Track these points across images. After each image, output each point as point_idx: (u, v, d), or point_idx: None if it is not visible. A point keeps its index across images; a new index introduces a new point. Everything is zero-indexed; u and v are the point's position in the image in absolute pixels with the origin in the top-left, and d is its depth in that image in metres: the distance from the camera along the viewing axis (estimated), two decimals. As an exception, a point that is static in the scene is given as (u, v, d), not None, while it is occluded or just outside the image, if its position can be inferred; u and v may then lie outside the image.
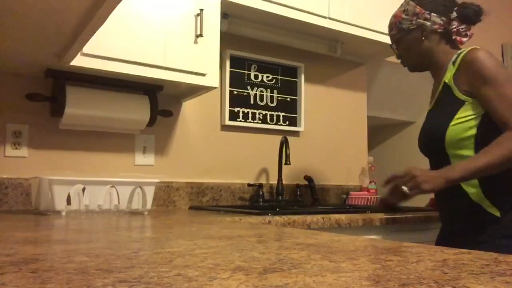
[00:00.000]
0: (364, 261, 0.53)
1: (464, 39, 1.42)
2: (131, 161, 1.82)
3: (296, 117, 2.27)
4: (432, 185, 1.23)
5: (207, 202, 1.96)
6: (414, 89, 2.95)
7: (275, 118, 2.20)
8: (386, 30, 1.99)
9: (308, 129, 2.32)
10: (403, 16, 1.43)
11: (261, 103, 2.16)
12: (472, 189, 1.27)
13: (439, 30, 1.40)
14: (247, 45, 2.13)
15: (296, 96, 2.28)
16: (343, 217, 1.49)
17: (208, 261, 0.52)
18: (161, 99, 1.84)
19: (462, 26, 1.41)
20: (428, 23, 1.40)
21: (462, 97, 1.31)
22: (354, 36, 2.09)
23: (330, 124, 2.41)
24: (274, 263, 0.51)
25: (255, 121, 2.13)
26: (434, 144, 1.36)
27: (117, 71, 1.47)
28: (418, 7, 1.40)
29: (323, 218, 1.44)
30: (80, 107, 1.58)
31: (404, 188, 1.26)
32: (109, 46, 1.44)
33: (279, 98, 2.22)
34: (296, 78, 2.29)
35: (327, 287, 0.39)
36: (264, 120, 2.16)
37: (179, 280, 0.41)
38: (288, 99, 2.25)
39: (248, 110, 2.12)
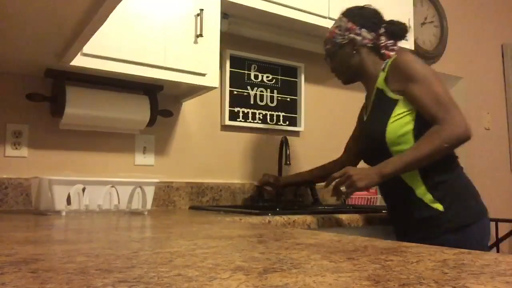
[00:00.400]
0: (364, 261, 0.53)
1: (391, 53, 1.51)
2: (131, 161, 1.82)
3: (296, 117, 2.27)
4: (366, 182, 1.31)
5: (207, 202, 1.96)
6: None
7: (275, 118, 2.20)
8: None
9: (308, 129, 2.32)
10: (337, 31, 1.53)
11: (261, 103, 2.16)
12: (415, 185, 1.35)
13: (368, 44, 1.50)
14: (247, 45, 2.13)
15: (296, 96, 2.28)
16: (343, 217, 1.49)
17: (208, 261, 0.52)
18: (161, 99, 1.84)
19: (390, 41, 1.51)
20: (359, 38, 1.50)
21: (395, 96, 1.40)
22: (354, 36, 2.09)
23: (330, 124, 2.41)
24: (274, 263, 0.51)
25: (255, 121, 2.13)
26: (376, 146, 1.42)
27: (117, 71, 1.47)
28: (350, 22, 1.51)
29: (323, 218, 1.44)
30: (80, 107, 1.58)
31: (342, 187, 1.36)
32: (109, 46, 1.44)
33: (279, 98, 2.22)
34: (296, 78, 2.29)
35: (327, 287, 0.39)
36: (264, 120, 2.16)
37: (179, 280, 0.41)
38: (288, 99, 2.25)
39: (248, 110, 2.12)
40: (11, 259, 0.52)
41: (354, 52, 1.51)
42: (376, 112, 1.46)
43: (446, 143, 1.27)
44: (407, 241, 1.25)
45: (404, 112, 1.37)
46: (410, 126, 1.35)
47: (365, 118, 1.56)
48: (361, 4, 1.57)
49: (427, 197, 1.34)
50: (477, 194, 1.40)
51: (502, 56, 3.51)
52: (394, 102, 1.39)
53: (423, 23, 2.95)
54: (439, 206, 1.32)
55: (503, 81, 3.51)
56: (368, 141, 1.48)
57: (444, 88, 1.34)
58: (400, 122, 1.36)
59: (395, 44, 1.52)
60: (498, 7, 3.55)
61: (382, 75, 1.46)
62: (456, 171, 1.39)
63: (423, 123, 1.33)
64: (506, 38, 3.56)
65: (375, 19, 1.52)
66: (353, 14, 1.52)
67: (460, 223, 1.31)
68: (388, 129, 1.37)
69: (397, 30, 1.50)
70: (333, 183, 1.39)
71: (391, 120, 1.38)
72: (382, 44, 1.50)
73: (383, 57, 1.50)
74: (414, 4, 2.49)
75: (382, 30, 1.51)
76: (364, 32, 1.50)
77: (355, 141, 1.76)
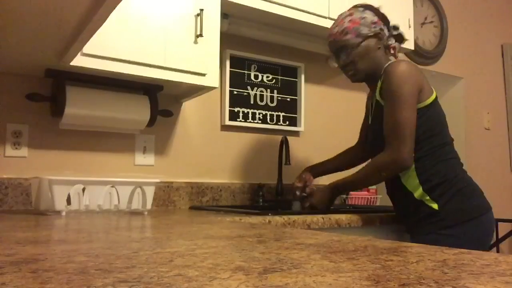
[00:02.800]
0: (364, 261, 0.53)
1: (398, 55, 1.55)
2: (131, 161, 1.82)
3: (296, 117, 2.27)
4: (320, 207, 1.57)
5: (207, 202, 1.96)
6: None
7: (275, 118, 2.20)
8: None
9: (308, 129, 2.32)
10: (362, 22, 1.48)
11: (261, 103, 2.16)
12: (414, 189, 1.40)
13: (384, 43, 1.51)
14: (247, 45, 2.13)
15: (296, 96, 2.28)
16: (343, 217, 1.49)
17: (208, 261, 0.52)
18: (161, 99, 1.84)
19: (397, 44, 1.54)
20: (382, 33, 1.50)
21: None
22: (354, 36, 2.09)
23: (330, 124, 2.41)
24: (274, 263, 0.51)
25: (255, 121, 2.13)
26: (375, 144, 1.50)
27: (117, 71, 1.47)
28: (376, 16, 1.49)
29: (323, 218, 1.44)
30: (80, 107, 1.58)
31: (306, 204, 1.63)
32: (109, 46, 1.44)
33: (279, 98, 2.22)
34: (296, 78, 2.29)
35: (327, 287, 0.39)
36: (264, 120, 2.16)
37: (179, 280, 0.41)
38: (288, 99, 2.25)
39: (248, 110, 2.12)
40: (11, 259, 0.52)
41: (379, 47, 1.49)
42: (374, 126, 1.51)
43: (383, 172, 1.39)
44: (410, 238, 1.39)
45: None
46: None
47: (369, 121, 1.59)
48: (363, 4, 1.56)
49: (425, 198, 1.39)
50: (478, 193, 1.43)
51: (502, 56, 3.51)
52: None
53: (423, 23, 2.94)
54: (434, 206, 1.37)
55: (503, 81, 3.51)
56: (372, 149, 1.53)
57: (408, 115, 1.34)
58: None
59: (399, 48, 1.56)
60: (498, 7, 3.55)
61: (379, 85, 1.48)
62: (454, 172, 1.41)
63: (420, 127, 1.39)
64: (506, 38, 3.56)
65: (389, 21, 1.53)
66: (374, 9, 1.51)
67: (454, 220, 1.35)
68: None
69: (402, 34, 1.54)
70: (297, 193, 1.67)
71: None
72: (392, 45, 1.51)
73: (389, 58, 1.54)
74: (414, 4, 2.49)
75: (394, 32, 1.52)
76: (385, 29, 1.50)
77: (366, 132, 1.76)
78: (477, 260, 0.55)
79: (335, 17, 1.99)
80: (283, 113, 2.23)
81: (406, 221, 1.50)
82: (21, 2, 0.97)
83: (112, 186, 1.38)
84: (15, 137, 1.60)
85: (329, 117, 2.41)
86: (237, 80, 2.10)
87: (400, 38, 1.53)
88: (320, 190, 1.60)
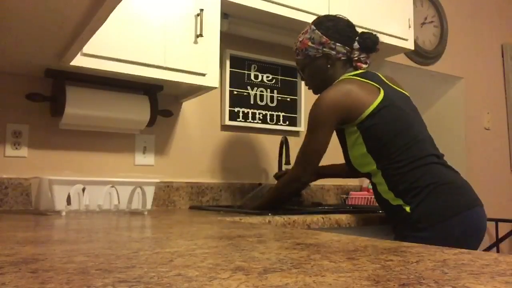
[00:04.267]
0: (364, 261, 0.53)
1: (364, 65, 1.55)
2: (131, 161, 1.82)
3: (296, 117, 2.27)
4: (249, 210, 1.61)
5: (207, 202, 1.96)
6: (414, 89, 2.94)
7: (275, 118, 2.20)
8: (386, 30, 2.04)
9: (308, 129, 2.31)
10: (309, 43, 1.53)
11: (261, 103, 2.16)
12: (388, 195, 1.41)
13: (342, 58, 1.53)
14: (247, 45, 2.13)
15: (296, 96, 2.28)
16: (343, 217, 1.49)
17: (208, 261, 0.52)
18: (161, 99, 1.84)
19: (363, 55, 1.54)
20: (333, 52, 1.52)
21: (340, 126, 1.47)
22: (354, 36, 2.09)
23: (330, 124, 2.40)
24: (274, 263, 0.51)
25: (255, 121, 2.13)
26: (352, 168, 1.52)
27: (117, 71, 1.47)
28: (324, 37, 1.52)
29: (323, 218, 1.44)
30: (80, 107, 1.58)
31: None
32: (109, 46, 1.44)
33: (279, 98, 2.22)
34: (296, 78, 2.29)
35: (327, 287, 0.39)
36: (264, 120, 2.16)
37: (179, 280, 0.41)
38: (288, 99, 2.25)
39: (248, 110, 2.12)
40: (11, 259, 0.52)
41: (328, 66, 1.53)
42: (341, 142, 1.53)
43: (286, 190, 1.53)
44: (396, 238, 1.40)
45: (352, 137, 1.44)
46: (363, 148, 1.42)
47: None
48: (334, 14, 1.59)
49: (399, 202, 1.38)
50: (452, 191, 1.36)
51: (502, 56, 3.51)
52: (342, 131, 1.47)
53: (423, 23, 2.94)
54: (407, 208, 1.35)
55: (503, 81, 3.51)
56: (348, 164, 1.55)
57: (314, 140, 1.43)
58: (355, 148, 1.44)
59: (368, 57, 1.55)
60: (498, 7, 3.55)
61: None
62: (423, 175, 1.36)
63: (372, 139, 1.40)
64: (506, 38, 3.56)
65: (349, 33, 1.54)
66: (326, 27, 1.52)
67: (427, 222, 1.32)
68: (351, 159, 1.48)
69: (370, 43, 1.52)
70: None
71: (349, 149, 1.47)
72: (355, 58, 1.53)
73: (356, 69, 1.54)
74: (414, 4, 2.49)
75: (355, 45, 1.53)
76: (338, 46, 1.51)
77: None
78: (477, 260, 0.55)
79: (335, 17, 2.00)
80: (283, 113, 2.23)
81: (391, 226, 1.50)
82: (21, 2, 0.97)
83: (112, 186, 1.38)
84: (15, 137, 1.60)
85: (329, 117, 2.41)
86: (237, 80, 2.10)
87: (365, 48, 1.53)
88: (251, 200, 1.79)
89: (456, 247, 0.70)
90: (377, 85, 1.45)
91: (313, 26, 1.54)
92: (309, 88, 1.64)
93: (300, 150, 1.49)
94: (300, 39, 1.56)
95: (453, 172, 1.42)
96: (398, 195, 1.38)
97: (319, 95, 1.47)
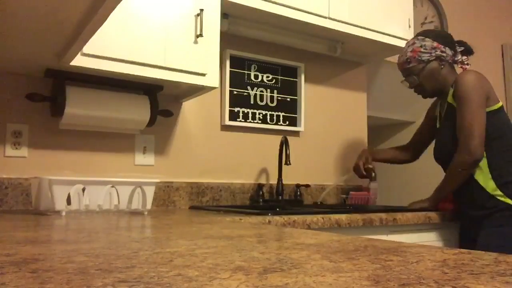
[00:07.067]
0: (364, 261, 0.53)
1: (467, 67, 1.76)
2: (131, 161, 1.82)
3: (296, 117, 2.27)
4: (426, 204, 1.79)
5: (207, 202, 1.96)
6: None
7: (275, 118, 2.20)
8: (386, 30, 2.10)
9: (308, 129, 2.32)
10: (422, 50, 1.74)
11: (261, 103, 2.16)
12: (487, 184, 1.59)
13: (450, 61, 1.75)
14: (247, 45, 2.13)
15: (296, 96, 2.28)
16: (343, 217, 1.49)
17: (208, 261, 0.52)
18: (161, 99, 1.84)
19: (465, 57, 1.78)
20: (444, 54, 1.73)
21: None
22: (354, 36, 2.09)
23: (330, 124, 2.41)
24: (274, 263, 0.51)
25: (255, 121, 2.13)
26: (445, 155, 1.71)
27: (117, 71, 1.47)
28: (435, 42, 1.74)
29: (323, 218, 1.44)
30: (80, 107, 1.58)
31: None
32: (109, 46, 1.44)
33: (279, 98, 2.22)
34: (296, 78, 2.29)
35: (327, 287, 0.39)
36: (264, 120, 2.16)
37: (179, 280, 0.41)
38: (288, 99, 2.25)
39: (248, 110, 2.12)
40: (11, 259, 0.52)
41: (442, 67, 1.73)
42: (447, 126, 1.72)
43: (460, 168, 1.60)
44: (481, 227, 1.60)
45: None
46: None
47: (437, 125, 1.83)
48: (424, 31, 1.78)
49: (498, 193, 1.57)
50: None
51: (502, 56, 3.51)
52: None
53: (423, 23, 2.94)
54: (508, 201, 1.55)
55: (503, 81, 3.51)
56: (440, 151, 1.76)
57: (476, 114, 1.57)
58: None
59: (468, 59, 1.77)
60: (498, 7, 3.55)
61: (451, 91, 1.71)
62: None
63: (491, 129, 1.59)
64: (506, 38, 3.56)
65: (451, 39, 1.77)
66: (435, 35, 1.75)
67: None
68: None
69: (469, 48, 1.79)
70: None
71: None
72: (459, 60, 1.75)
73: (456, 72, 1.76)
74: (414, 4, 2.49)
75: (459, 48, 1.76)
76: (447, 50, 1.74)
77: (419, 138, 2.01)
78: (477, 260, 0.55)
79: (335, 17, 2.00)
80: (283, 113, 2.23)
81: (473, 214, 1.65)
82: (22, 2, 0.97)
83: (112, 186, 1.38)
84: (15, 137, 1.60)
85: (329, 117, 2.41)
86: (237, 80, 2.10)
87: (467, 51, 1.77)
88: (421, 202, 1.83)
89: None
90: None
91: (420, 37, 1.76)
92: (420, 93, 1.80)
93: (460, 129, 1.60)
94: (410, 50, 1.75)
95: None
96: (499, 185, 1.56)
97: (462, 76, 1.63)
